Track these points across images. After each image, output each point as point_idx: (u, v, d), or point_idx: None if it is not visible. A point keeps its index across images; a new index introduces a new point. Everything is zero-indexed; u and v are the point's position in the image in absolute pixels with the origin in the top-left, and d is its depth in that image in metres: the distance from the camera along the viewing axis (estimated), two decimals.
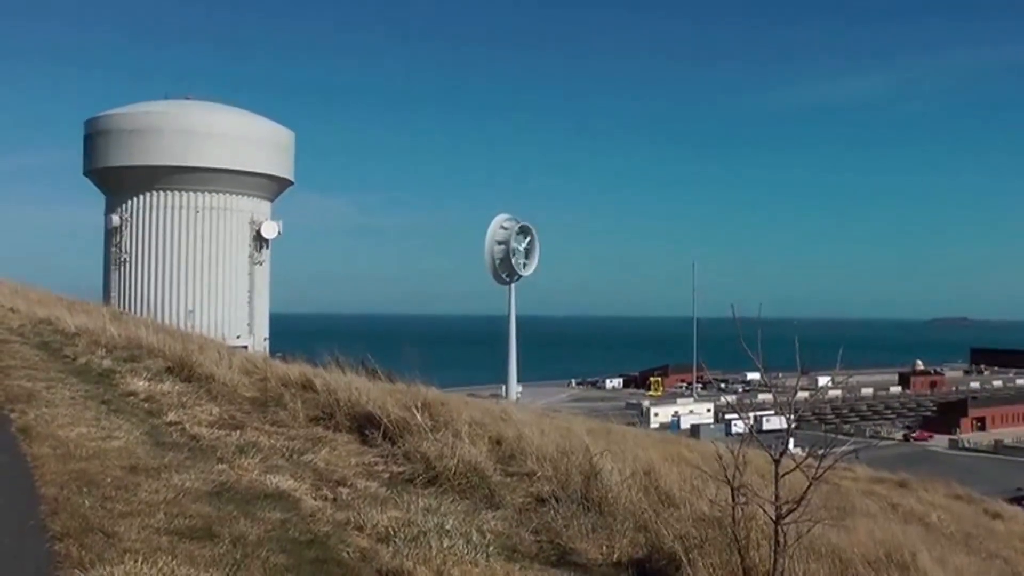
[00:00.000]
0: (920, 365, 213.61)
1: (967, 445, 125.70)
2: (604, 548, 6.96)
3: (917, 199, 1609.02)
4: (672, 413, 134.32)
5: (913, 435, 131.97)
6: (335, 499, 7.63)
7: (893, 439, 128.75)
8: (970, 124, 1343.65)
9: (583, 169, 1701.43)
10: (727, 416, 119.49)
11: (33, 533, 5.99)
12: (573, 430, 12.17)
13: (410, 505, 7.37)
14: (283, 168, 65.87)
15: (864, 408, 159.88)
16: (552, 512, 7.62)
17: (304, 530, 6.60)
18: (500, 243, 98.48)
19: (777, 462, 6.14)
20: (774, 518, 5.98)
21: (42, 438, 8.82)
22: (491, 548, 6.51)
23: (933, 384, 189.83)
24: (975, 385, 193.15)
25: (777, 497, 6.02)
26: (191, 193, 61.73)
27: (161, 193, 61.62)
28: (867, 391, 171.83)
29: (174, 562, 5.49)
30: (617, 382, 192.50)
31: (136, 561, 5.45)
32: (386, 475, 8.81)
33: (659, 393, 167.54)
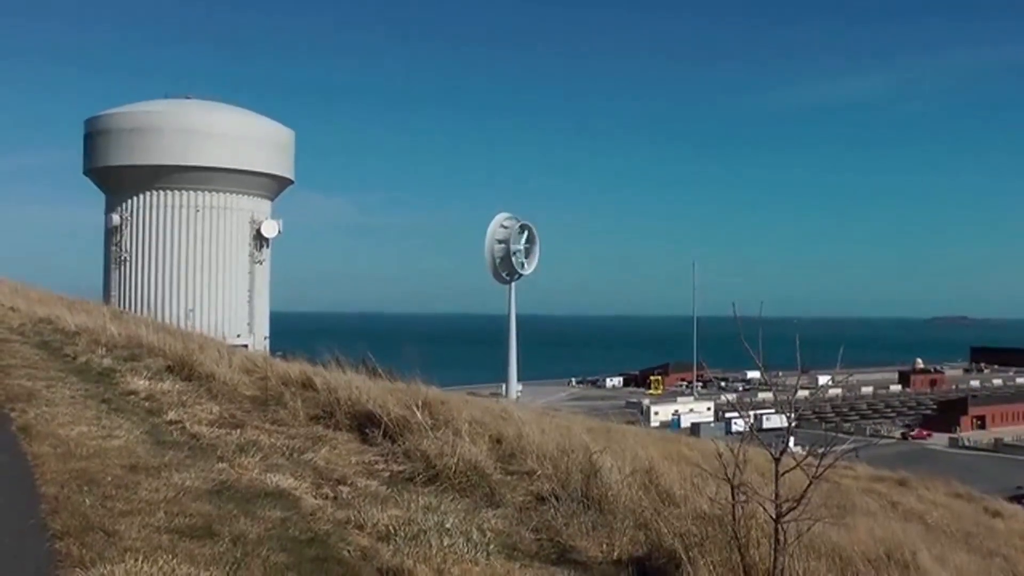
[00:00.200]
0: (920, 364, 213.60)
1: (967, 443, 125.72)
2: (604, 546, 6.96)
3: (917, 198, 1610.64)
4: (672, 412, 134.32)
5: (911, 433, 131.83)
6: (335, 497, 7.63)
7: (893, 437, 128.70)
8: (970, 124, 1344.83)
9: (583, 168, 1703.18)
10: (727, 415, 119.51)
11: (33, 532, 5.99)
12: (573, 429, 12.18)
13: (410, 503, 7.37)
14: (283, 167, 65.89)
15: (864, 407, 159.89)
16: (552, 510, 7.62)
17: (304, 529, 6.60)
18: (500, 242, 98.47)
19: (777, 460, 6.14)
20: (774, 516, 5.98)
21: (42, 437, 8.82)
22: (491, 546, 6.51)
23: (933, 383, 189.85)
24: (975, 384, 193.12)
25: (777, 495, 6.02)
26: (191, 192, 61.77)
27: (161, 192, 61.66)
28: (867, 390, 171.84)
29: (174, 561, 5.49)
30: (617, 381, 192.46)
31: (136, 560, 5.45)
32: (386, 474, 8.81)
33: (659, 392, 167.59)
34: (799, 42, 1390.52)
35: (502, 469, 8.99)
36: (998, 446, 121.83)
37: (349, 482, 8.23)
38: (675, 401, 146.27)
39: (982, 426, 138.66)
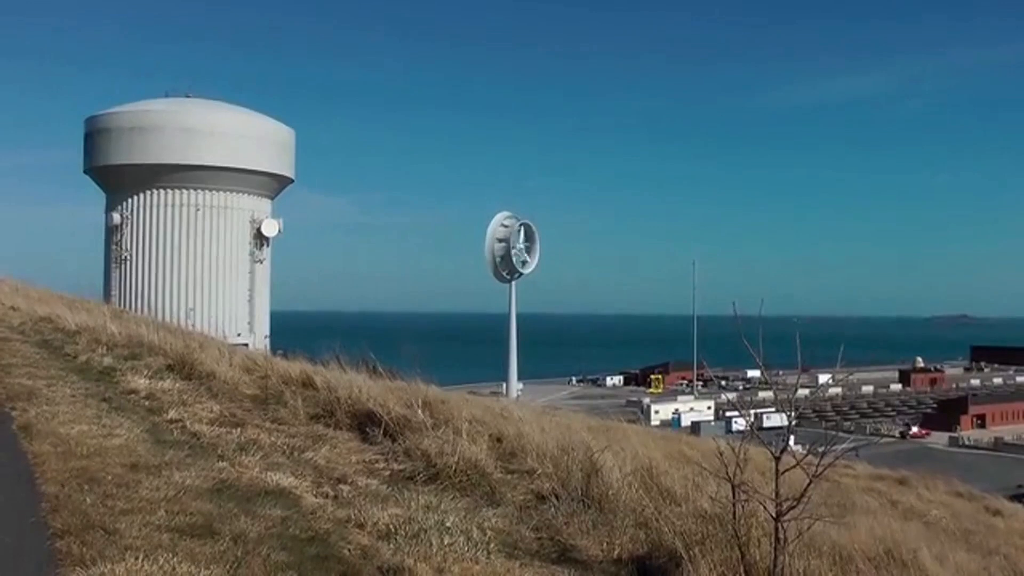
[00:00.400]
0: (920, 362, 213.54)
1: (967, 442, 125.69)
2: (605, 545, 6.96)
3: (917, 197, 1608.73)
4: (673, 410, 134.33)
5: (910, 432, 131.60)
6: (336, 496, 7.64)
7: (892, 436, 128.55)
8: (970, 122, 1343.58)
9: (583, 168, 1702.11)
10: (728, 413, 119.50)
11: (34, 531, 6.00)
12: (573, 427, 12.18)
13: (411, 502, 7.37)
14: (283, 166, 65.89)
15: (864, 406, 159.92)
16: (553, 509, 7.63)
17: (305, 527, 6.60)
18: (501, 241, 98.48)
19: (777, 459, 6.14)
20: (774, 515, 5.99)
21: (43, 436, 8.83)
22: (491, 545, 6.51)
23: (933, 381, 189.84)
24: (975, 382, 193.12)
25: (777, 494, 6.02)
26: (191, 191, 61.75)
27: (161, 191, 61.64)
28: (867, 389, 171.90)
29: (175, 559, 5.50)
30: (618, 380, 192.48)
31: (137, 558, 5.45)
32: (387, 472, 8.81)
33: (659, 391, 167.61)
34: (799, 41, 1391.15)
35: (502, 468, 8.99)
36: (998, 445, 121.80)
37: (349, 481, 8.24)
38: (675, 400, 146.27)
39: (982, 425, 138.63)
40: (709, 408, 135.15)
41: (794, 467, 6.17)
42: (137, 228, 62.16)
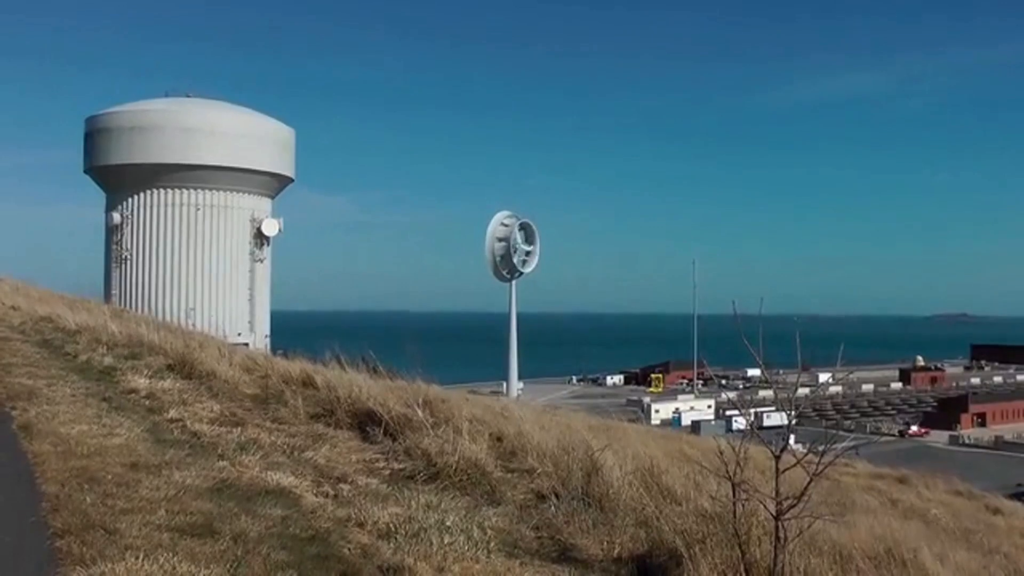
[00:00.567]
0: (921, 361, 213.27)
1: (967, 441, 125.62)
2: (605, 544, 6.96)
3: (917, 196, 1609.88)
4: (673, 410, 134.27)
5: (909, 431, 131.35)
6: (336, 496, 7.64)
7: (891, 435, 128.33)
8: (970, 121, 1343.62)
9: (583, 167, 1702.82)
10: (728, 412, 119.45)
11: (34, 530, 6.00)
12: (574, 426, 12.18)
13: (411, 501, 7.37)
14: (284, 165, 65.84)
15: (865, 404, 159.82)
16: (553, 508, 7.62)
17: (305, 527, 6.60)
18: (501, 240, 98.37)
19: (778, 458, 6.14)
20: (775, 514, 5.98)
21: (43, 435, 8.83)
22: (492, 544, 6.51)
23: (934, 380, 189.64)
24: (975, 381, 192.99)
25: (778, 493, 6.02)
26: (192, 191, 61.71)
27: (162, 191, 61.60)
28: (868, 387, 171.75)
29: (175, 559, 5.50)
30: (618, 379, 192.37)
31: (137, 558, 5.45)
32: (387, 472, 8.81)
33: (660, 390, 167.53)
34: (798, 40, 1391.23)
35: (503, 467, 8.99)
36: (998, 444, 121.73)
37: (350, 480, 8.24)
38: (676, 399, 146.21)
39: (982, 424, 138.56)
40: (709, 407, 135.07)
41: (794, 466, 6.17)
42: (137, 228, 62.11)
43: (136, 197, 61.91)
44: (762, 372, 6.75)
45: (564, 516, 7.40)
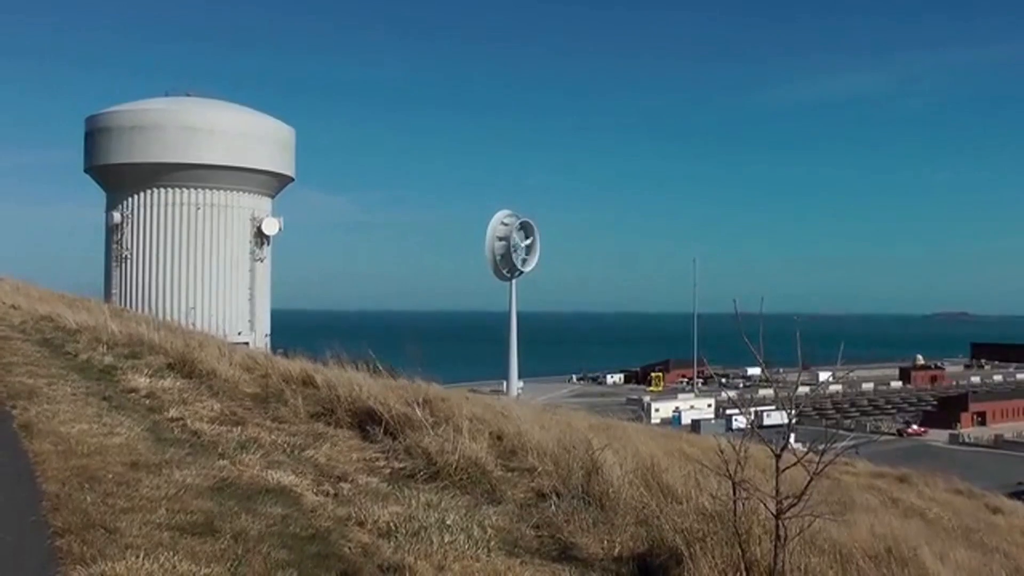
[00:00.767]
0: (921, 360, 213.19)
1: (967, 440, 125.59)
2: (605, 542, 6.96)
3: (917, 195, 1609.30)
4: (673, 408, 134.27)
5: (908, 430, 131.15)
6: (336, 495, 7.64)
7: (889, 434, 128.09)
8: (970, 120, 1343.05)
9: (583, 166, 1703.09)
10: (728, 411, 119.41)
11: (35, 529, 6.00)
12: (574, 425, 12.19)
13: (411, 500, 7.37)
14: (284, 165, 65.83)
15: (865, 403, 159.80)
16: (553, 507, 7.62)
17: (305, 525, 6.61)
18: (501, 239, 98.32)
19: (778, 457, 6.14)
20: (775, 513, 5.99)
21: (43, 434, 8.83)
22: (492, 543, 6.51)
23: (934, 379, 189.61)
24: (975, 380, 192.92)
25: (778, 492, 6.02)
26: (192, 190, 61.69)
27: (162, 190, 61.58)
28: (868, 386, 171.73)
29: (175, 558, 5.50)
30: (618, 378, 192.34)
31: (137, 557, 5.46)
32: (387, 471, 8.81)
33: (660, 388, 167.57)
34: (798, 39, 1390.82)
35: (503, 466, 8.99)
36: (998, 442, 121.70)
37: (350, 479, 8.24)
38: (676, 398, 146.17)
39: (982, 422, 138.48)
40: (709, 406, 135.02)
41: (794, 465, 6.17)
42: (137, 227, 62.10)
43: (136, 196, 61.90)
44: (762, 371, 6.74)
45: (564, 515, 7.40)
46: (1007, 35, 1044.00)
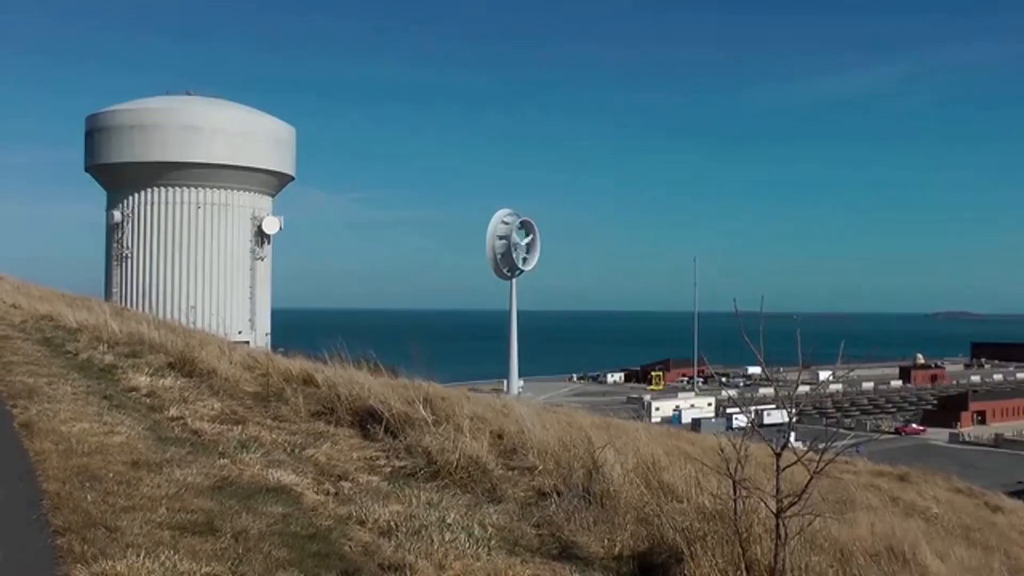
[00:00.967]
0: (921, 359, 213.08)
1: (967, 439, 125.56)
2: (606, 541, 6.96)
3: (918, 193, 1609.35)
4: (673, 407, 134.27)
5: (906, 429, 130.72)
6: (337, 493, 7.64)
7: (889, 433, 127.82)
8: (972, 118, 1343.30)
9: (584, 165, 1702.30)
10: (728, 410, 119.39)
11: (36, 528, 6.00)
12: (575, 424, 12.18)
13: (412, 499, 7.38)
14: (284, 164, 65.86)
15: (865, 402, 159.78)
16: (554, 506, 7.62)
17: (306, 524, 6.61)
18: (501, 238, 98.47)
19: (778, 456, 6.14)
20: (775, 511, 5.99)
21: (44, 434, 8.83)
22: (493, 542, 6.51)
23: (934, 378, 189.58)
24: (976, 379, 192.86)
25: (778, 490, 6.02)
26: (192, 189, 61.74)
27: (162, 189, 61.64)
28: (868, 385, 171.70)
29: (176, 556, 5.50)
30: (618, 377, 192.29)
31: (138, 555, 5.46)
32: (388, 469, 8.81)
33: (660, 387, 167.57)
34: (799, 38, 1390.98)
35: (503, 465, 8.99)
36: (998, 441, 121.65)
37: (350, 478, 8.24)
38: (676, 397, 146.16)
39: (983, 421, 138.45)
40: (710, 405, 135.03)
41: (795, 464, 6.17)
42: (138, 226, 62.16)
43: (137, 195, 61.96)
44: (763, 369, 6.74)
45: (565, 513, 7.40)
46: (1011, 34, 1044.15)
